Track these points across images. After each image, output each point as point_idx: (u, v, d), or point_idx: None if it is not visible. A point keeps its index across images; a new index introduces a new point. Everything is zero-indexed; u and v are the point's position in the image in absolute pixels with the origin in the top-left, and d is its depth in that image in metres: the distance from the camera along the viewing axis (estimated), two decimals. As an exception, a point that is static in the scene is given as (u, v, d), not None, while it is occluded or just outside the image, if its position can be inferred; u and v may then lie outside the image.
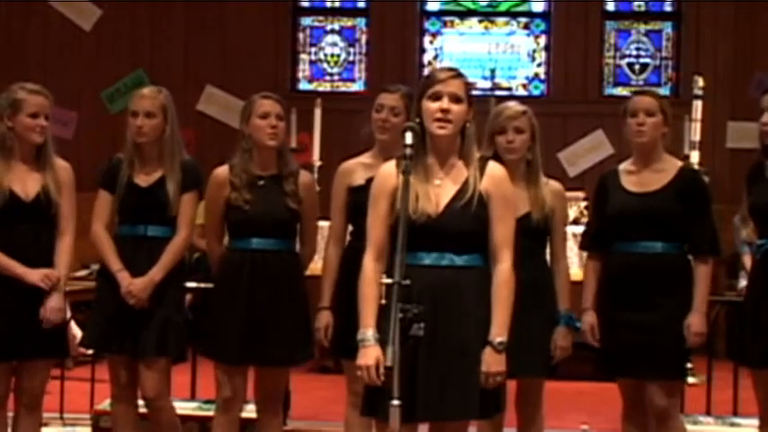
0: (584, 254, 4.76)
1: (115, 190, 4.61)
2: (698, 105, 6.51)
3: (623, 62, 10.66)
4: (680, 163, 4.50)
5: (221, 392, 4.53)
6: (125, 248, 4.57)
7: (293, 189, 4.50)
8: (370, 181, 3.91)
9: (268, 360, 4.47)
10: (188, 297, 5.22)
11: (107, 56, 10.35)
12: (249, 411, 4.74)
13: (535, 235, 4.34)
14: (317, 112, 7.33)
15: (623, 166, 4.49)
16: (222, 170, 4.53)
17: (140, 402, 4.71)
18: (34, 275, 4.38)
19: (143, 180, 4.60)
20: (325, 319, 4.47)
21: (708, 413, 6.05)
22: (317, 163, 7.15)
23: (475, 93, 3.73)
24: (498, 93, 8.82)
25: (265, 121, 4.46)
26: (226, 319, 4.44)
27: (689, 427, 4.88)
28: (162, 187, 4.57)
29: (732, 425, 5.78)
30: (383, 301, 3.34)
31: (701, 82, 6.57)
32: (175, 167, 4.58)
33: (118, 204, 4.61)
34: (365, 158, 4.53)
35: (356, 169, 4.49)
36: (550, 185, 4.48)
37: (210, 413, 4.84)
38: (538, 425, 4.50)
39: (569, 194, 5.71)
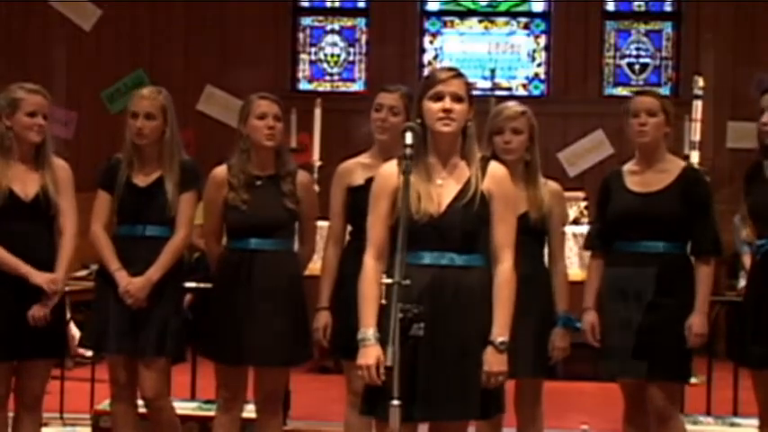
0: (585, 254, 4.76)
1: (114, 190, 4.61)
2: (698, 105, 6.50)
3: (623, 62, 10.65)
4: (683, 163, 4.50)
5: (221, 392, 4.53)
6: (123, 248, 4.57)
7: (291, 189, 4.49)
8: (369, 181, 3.90)
9: (267, 360, 4.47)
10: (187, 297, 5.22)
11: (107, 56, 10.34)
12: (249, 411, 4.73)
13: (533, 234, 4.34)
14: (317, 112, 7.31)
15: (627, 167, 4.49)
16: (220, 170, 4.53)
17: (140, 402, 4.71)
18: (40, 278, 4.37)
19: (142, 180, 4.60)
20: (323, 319, 4.47)
21: (708, 413, 6.05)
22: (317, 163, 7.14)
23: (475, 93, 3.72)
24: (498, 93, 8.80)
25: (263, 121, 4.46)
26: (225, 319, 4.44)
27: (689, 427, 4.87)
28: (160, 187, 4.56)
29: (732, 425, 5.78)
30: (383, 301, 3.34)
31: (700, 82, 6.57)
32: (174, 168, 4.58)
33: (116, 204, 4.61)
34: (364, 158, 4.52)
35: (355, 169, 4.48)
36: (549, 186, 4.48)
37: (210, 413, 4.84)
38: (537, 425, 4.50)
39: (569, 194, 5.71)
